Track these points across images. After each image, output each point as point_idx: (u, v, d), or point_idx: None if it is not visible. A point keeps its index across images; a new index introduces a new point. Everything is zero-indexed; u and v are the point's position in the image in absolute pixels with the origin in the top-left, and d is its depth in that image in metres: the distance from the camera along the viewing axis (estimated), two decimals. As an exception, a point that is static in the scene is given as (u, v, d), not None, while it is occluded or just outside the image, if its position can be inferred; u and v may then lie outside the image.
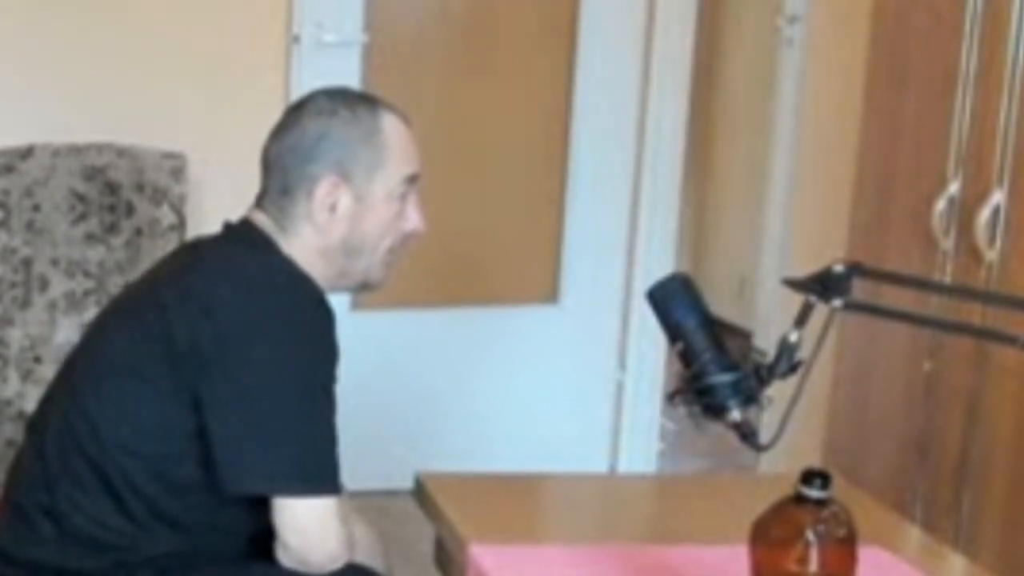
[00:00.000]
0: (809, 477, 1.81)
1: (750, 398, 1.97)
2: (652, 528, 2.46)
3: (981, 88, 3.31)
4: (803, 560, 1.80)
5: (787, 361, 1.96)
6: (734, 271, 5.88)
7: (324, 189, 2.26)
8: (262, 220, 2.29)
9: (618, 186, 4.53)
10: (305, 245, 2.27)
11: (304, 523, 2.14)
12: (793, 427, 1.99)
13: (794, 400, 1.95)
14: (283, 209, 2.28)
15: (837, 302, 1.95)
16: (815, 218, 4.11)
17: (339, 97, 2.32)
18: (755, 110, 5.67)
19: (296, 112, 2.31)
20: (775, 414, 1.99)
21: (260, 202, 2.31)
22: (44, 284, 3.60)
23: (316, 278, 2.24)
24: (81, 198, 3.62)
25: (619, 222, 4.54)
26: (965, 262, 3.34)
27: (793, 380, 1.96)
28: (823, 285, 1.96)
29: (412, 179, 2.31)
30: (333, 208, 2.26)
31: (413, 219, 2.32)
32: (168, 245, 3.55)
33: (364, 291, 2.40)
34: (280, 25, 4.03)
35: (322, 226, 2.27)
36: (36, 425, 2.34)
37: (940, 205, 3.39)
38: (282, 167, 2.29)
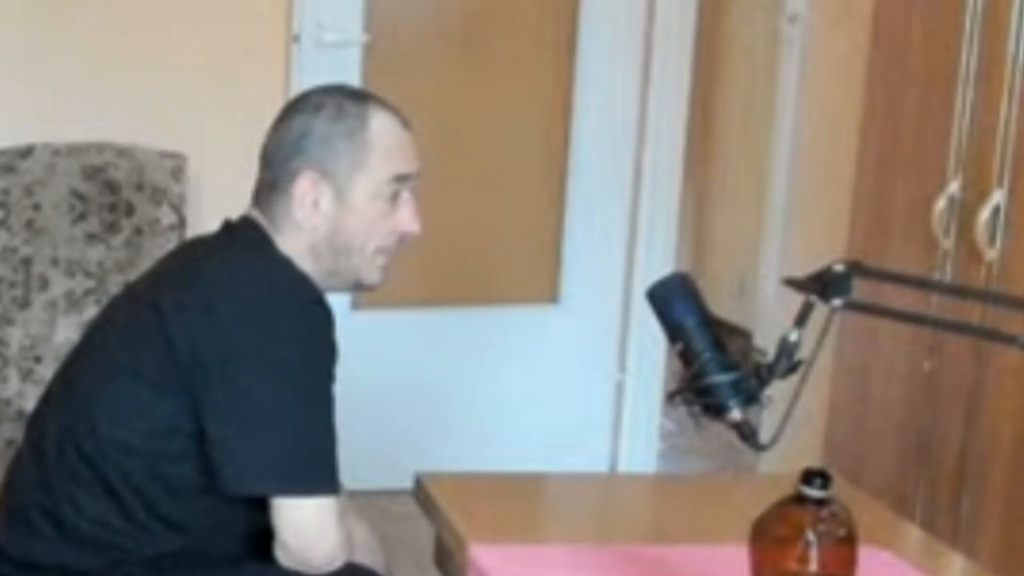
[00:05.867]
0: (809, 477, 1.81)
1: (750, 398, 1.97)
2: (652, 528, 2.46)
3: (981, 88, 3.30)
4: (803, 560, 1.80)
5: (787, 361, 1.96)
6: (734, 271, 5.88)
7: (302, 186, 2.24)
8: (258, 217, 2.29)
9: (618, 186, 4.52)
10: (295, 243, 2.25)
11: (303, 523, 2.14)
12: (793, 427, 1.99)
13: (794, 400, 1.95)
14: (272, 205, 2.27)
15: (837, 302, 1.95)
16: (815, 218, 4.11)
17: (332, 93, 2.31)
18: (755, 110, 5.67)
19: (289, 108, 2.31)
20: (775, 414, 1.99)
21: (256, 199, 2.31)
22: (44, 284, 3.60)
23: (311, 276, 2.24)
24: (81, 198, 3.61)
25: (619, 222, 4.54)
26: (965, 262, 3.33)
27: (793, 380, 1.96)
28: (823, 285, 1.96)
29: (400, 179, 2.26)
30: (316, 205, 2.25)
31: (406, 220, 2.28)
32: (168, 245, 3.55)
33: (359, 291, 2.37)
34: (280, 25, 4.02)
35: (302, 223, 2.25)
36: (35, 424, 2.34)
37: (940, 205, 3.39)
38: (269, 163, 2.28)
